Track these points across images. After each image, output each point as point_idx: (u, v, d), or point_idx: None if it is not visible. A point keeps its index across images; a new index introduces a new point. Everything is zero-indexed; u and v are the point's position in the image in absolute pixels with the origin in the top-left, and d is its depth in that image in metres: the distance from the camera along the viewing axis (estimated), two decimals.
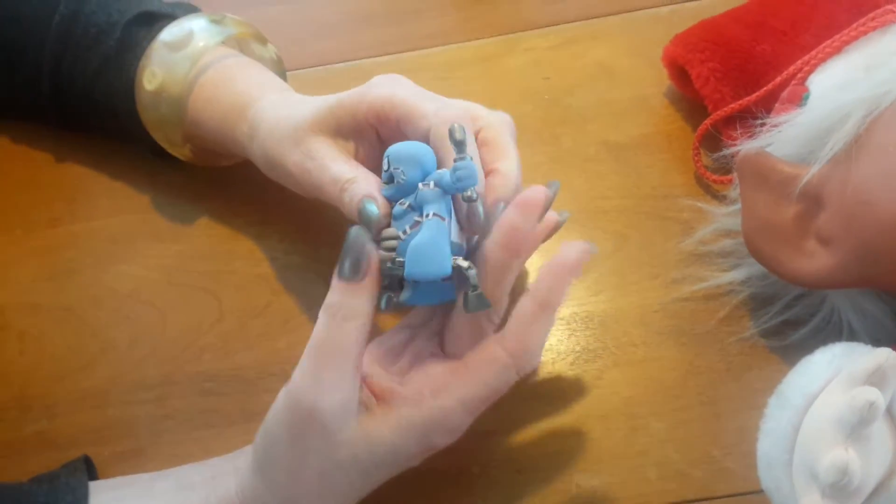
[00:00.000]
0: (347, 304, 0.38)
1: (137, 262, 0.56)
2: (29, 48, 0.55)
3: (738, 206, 0.50)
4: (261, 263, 0.55)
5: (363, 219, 0.41)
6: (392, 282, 0.40)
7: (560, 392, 0.50)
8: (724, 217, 0.53)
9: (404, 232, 0.40)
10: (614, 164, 0.57)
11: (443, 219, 0.39)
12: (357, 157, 0.46)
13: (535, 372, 0.51)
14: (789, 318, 0.50)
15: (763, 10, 0.56)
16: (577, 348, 0.51)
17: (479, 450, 0.48)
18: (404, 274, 0.39)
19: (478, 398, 0.40)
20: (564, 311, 0.52)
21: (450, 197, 0.40)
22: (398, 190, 0.41)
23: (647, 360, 0.50)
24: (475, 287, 0.39)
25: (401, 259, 0.39)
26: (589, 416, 0.49)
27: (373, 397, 0.41)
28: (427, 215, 0.39)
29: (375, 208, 0.41)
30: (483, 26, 0.65)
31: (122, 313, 0.54)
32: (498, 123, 0.45)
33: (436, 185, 0.39)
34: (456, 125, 0.38)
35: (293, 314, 0.53)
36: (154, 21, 0.54)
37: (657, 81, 0.60)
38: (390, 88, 0.44)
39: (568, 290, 0.40)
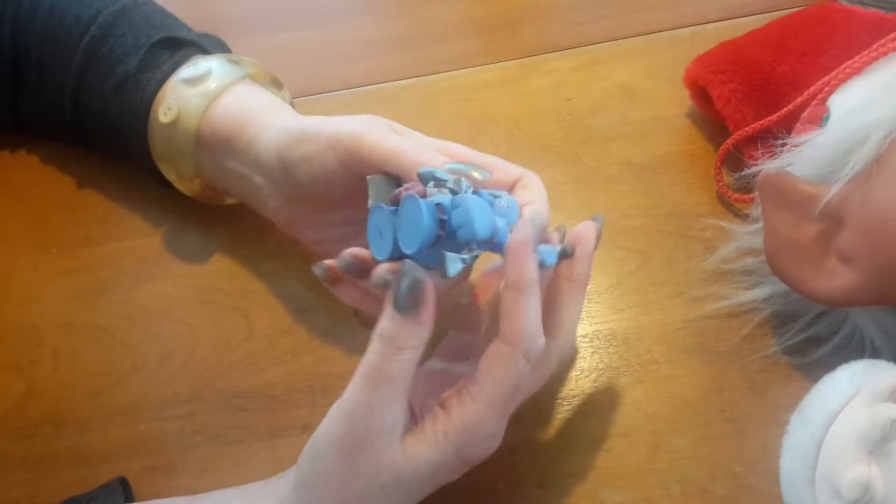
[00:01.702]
0: (402, 335, 0.38)
1: (169, 280, 0.57)
2: (57, 66, 0.57)
3: (760, 224, 0.50)
4: (288, 282, 0.56)
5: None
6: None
7: (583, 409, 0.50)
8: (746, 235, 0.53)
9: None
10: (636, 183, 0.58)
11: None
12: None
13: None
14: (811, 335, 0.50)
15: (783, 31, 0.57)
16: (601, 366, 0.51)
17: (503, 466, 0.48)
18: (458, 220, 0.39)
19: (499, 397, 0.39)
20: (587, 328, 0.53)
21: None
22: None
23: (670, 378, 0.51)
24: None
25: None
26: (612, 433, 0.49)
27: (413, 418, 0.41)
28: (468, 190, 0.40)
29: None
30: (506, 49, 0.67)
31: (154, 331, 0.55)
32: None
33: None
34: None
35: (320, 332, 0.54)
36: (179, 46, 0.55)
37: (678, 102, 0.61)
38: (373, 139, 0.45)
39: (533, 264, 0.40)
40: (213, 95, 0.52)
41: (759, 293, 0.52)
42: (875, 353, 0.49)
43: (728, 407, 0.49)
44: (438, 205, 0.39)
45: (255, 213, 0.56)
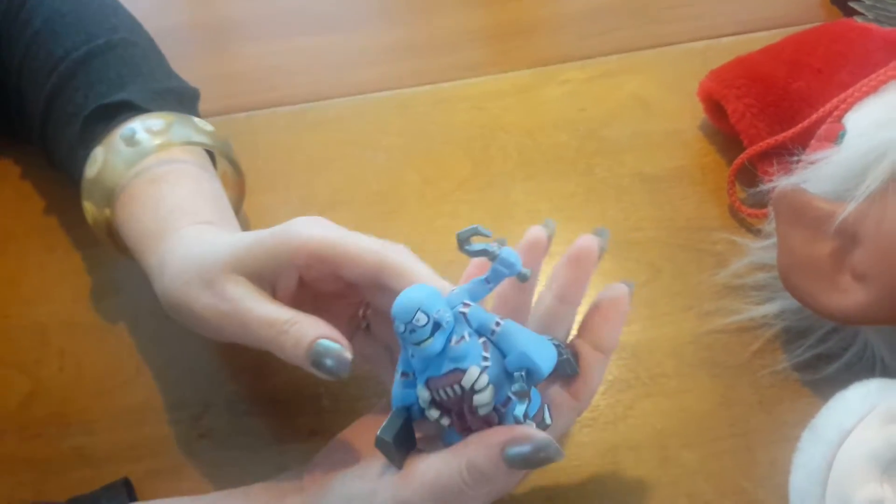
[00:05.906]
0: (496, 478, 0.36)
1: None
2: (28, 101, 0.57)
3: (773, 239, 0.50)
4: None
5: (323, 356, 0.40)
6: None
7: (591, 421, 0.50)
8: (759, 250, 0.53)
9: (484, 358, 0.36)
10: (648, 195, 0.58)
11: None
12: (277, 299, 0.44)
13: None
14: (822, 351, 0.50)
15: (799, 47, 0.57)
16: (609, 378, 0.51)
17: None
18: (535, 367, 0.36)
19: None
20: None
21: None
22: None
23: (680, 392, 0.50)
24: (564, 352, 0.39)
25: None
26: (620, 445, 0.49)
27: None
28: (498, 323, 0.36)
29: (338, 345, 0.40)
30: (520, 58, 0.67)
31: (160, 333, 0.55)
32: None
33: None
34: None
35: None
36: (112, 116, 0.53)
37: (692, 115, 0.61)
38: (321, 230, 0.42)
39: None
40: (136, 160, 0.50)
41: (770, 308, 0.52)
42: (885, 371, 0.49)
43: (737, 422, 0.49)
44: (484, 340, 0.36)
45: (261, 216, 0.56)
